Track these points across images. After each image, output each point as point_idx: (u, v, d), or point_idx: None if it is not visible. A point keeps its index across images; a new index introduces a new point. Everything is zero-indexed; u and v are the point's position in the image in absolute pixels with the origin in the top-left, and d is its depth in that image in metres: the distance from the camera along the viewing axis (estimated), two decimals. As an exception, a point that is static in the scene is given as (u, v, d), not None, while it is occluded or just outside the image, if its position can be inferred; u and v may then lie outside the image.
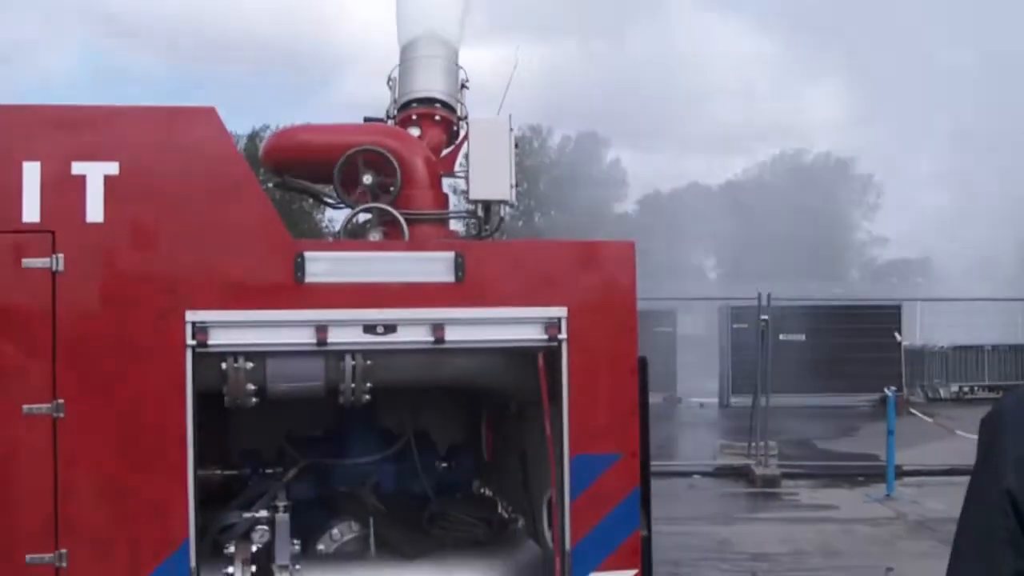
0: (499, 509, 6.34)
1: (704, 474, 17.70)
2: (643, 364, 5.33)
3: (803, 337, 26.88)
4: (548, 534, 5.44)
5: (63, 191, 4.76)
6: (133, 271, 4.83)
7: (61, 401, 4.71)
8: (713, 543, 12.47)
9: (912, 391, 28.49)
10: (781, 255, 45.72)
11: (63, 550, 4.71)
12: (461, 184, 6.34)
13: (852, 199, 72.87)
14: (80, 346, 4.75)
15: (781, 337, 24.17)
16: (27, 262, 4.72)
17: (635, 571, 5.20)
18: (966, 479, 2.52)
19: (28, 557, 4.69)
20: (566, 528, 5.14)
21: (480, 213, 6.09)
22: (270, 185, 7.17)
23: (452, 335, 5.04)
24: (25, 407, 4.69)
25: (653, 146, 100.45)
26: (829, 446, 21.14)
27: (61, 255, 4.72)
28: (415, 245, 5.60)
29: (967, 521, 2.47)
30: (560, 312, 5.13)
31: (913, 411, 20.24)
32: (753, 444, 17.73)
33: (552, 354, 5.16)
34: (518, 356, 5.27)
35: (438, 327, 5.01)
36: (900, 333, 28.26)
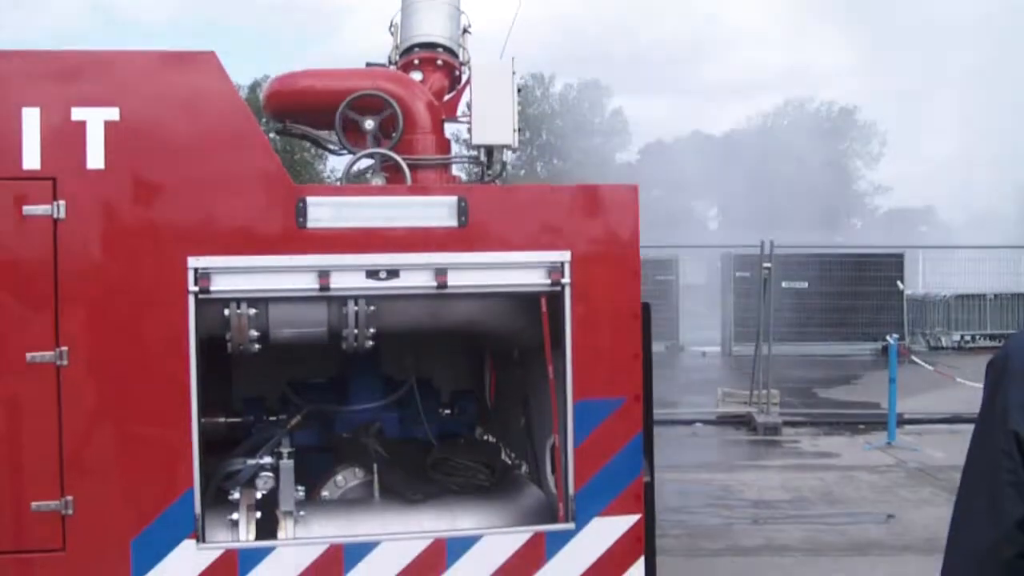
0: (502, 455, 6.36)
1: (706, 422, 17.77)
2: (646, 309, 5.32)
3: (806, 285, 26.96)
4: (551, 479, 5.46)
5: (63, 137, 4.73)
6: (135, 217, 4.81)
7: (64, 348, 4.72)
8: (715, 490, 12.53)
9: (914, 340, 28.57)
10: (783, 204, 45.68)
11: (69, 497, 4.73)
12: (463, 133, 6.30)
13: (855, 148, 72.72)
14: (82, 293, 4.74)
15: (784, 284, 24.25)
16: (28, 209, 4.70)
17: (638, 516, 5.22)
18: (967, 427, 2.52)
19: (34, 504, 4.72)
20: (569, 473, 5.16)
21: (483, 158, 6.05)
22: (272, 135, 7.13)
23: (455, 280, 5.02)
24: (29, 355, 4.70)
25: (656, 95, 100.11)
26: (831, 394, 21.23)
27: (62, 202, 4.71)
28: (418, 190, 5.58)
29: (973, 464, 2.47)
30: (563, 256, 5.11)
31: (915, 359, 20.27)
32: (755, 392, 17.79)
33: (555, 299, 5.14)
34: (521, 301, 5.26)
35: (441, 272, 4.99)
36: (903, 282, 28.27)
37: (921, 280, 32.07)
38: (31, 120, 4.71)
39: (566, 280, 5.11)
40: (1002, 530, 2.33)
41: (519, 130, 5.99)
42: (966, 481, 2.48)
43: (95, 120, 4.76)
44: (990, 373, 2.47)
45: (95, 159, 4.74)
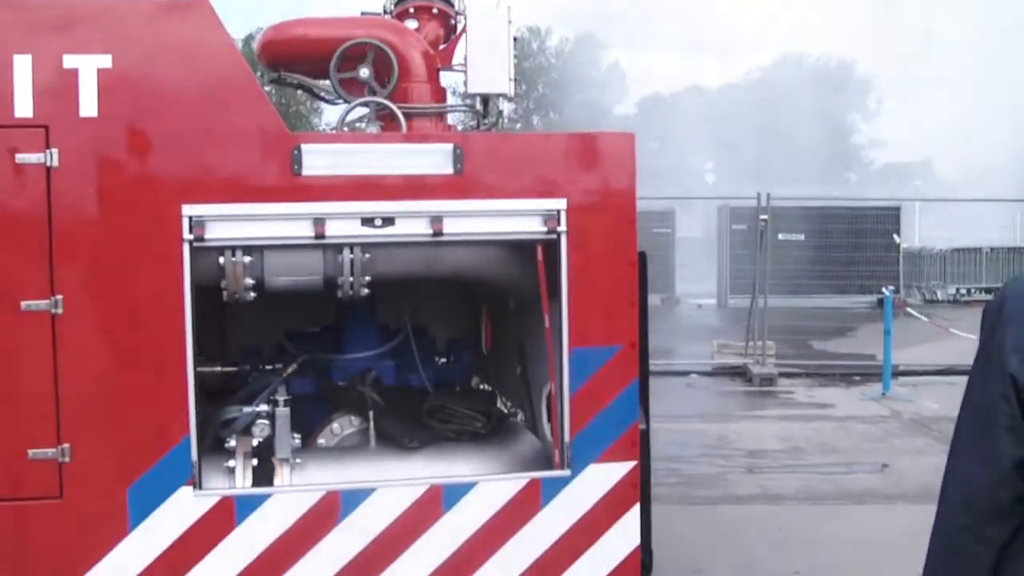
0: (498, 403, 6.37)
1: (702, 373, 17.86)
2: (643, 258, 5.31)
3: (802, 237, 26.99)
4: (547, 427, 5.47)
5: (55, 85, 4.68)
6: (129, 165, 4.77)
7: (59, 297, 4.70)
8: (711, 440, 12.62)
9: (909, 292, 28.66)
10: (780, 157, 45.61)
11: (65, 444, 4.73)
12: (460, 86, 6.25)
13: (853, 102, 72.51)
14: (77, 241, 4.71)
15: (780, 236, 24.26)
16: (21, 157, 4.66)
17: (634, 463, 5.23)
18: (961, 379, 2.52)
19: (31, 452, 4.72)
20: (565, 421, 5.16)
21: (479, 107, 6.02)
22: (267, 88, 7.07)
23: (450, 227, 5.00)
24: (23, 303, 4.68)
25: (653, 48, 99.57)
26: (826, 346, 21.33)
27: (55, 150, 4.67)
28: (413, 137, 5.54)
29: (969, 408, 2.47)
30: (559, 204, 5.08)
31: (910, 311, 20.32)
32: (751, 344, 17.84)
33: (551, 247, 5.12)
34: (517, 249, 5.24)
35: (436, 219, 4.97)
36: (899, 235, 28.30)
37: (917, 234, 32.13)
38: (22, 67, 4.66)
39: (562, 228, 5.08)
40: (998, 474, 2.33)
41: (515, 81, 5.94)
42: (962, 425, 2.48)
43: (87, 68, 4.70)
44: (987, 317, 2.46)
45: (88, 107, 4.70)
